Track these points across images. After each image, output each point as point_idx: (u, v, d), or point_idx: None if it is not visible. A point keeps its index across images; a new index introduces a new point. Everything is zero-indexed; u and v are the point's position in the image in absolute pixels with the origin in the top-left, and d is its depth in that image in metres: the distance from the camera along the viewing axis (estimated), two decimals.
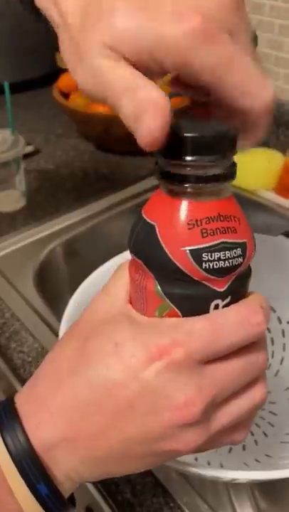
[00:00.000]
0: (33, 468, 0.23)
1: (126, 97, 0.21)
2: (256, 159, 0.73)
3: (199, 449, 0.24)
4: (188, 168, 0.22)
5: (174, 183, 0.22)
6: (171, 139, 0.21)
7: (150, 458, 0.24)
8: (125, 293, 0.26)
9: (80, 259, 0.69)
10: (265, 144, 0.83)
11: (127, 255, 0.26)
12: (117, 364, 0.23)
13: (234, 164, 0.23)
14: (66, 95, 0.89)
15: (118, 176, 0.82)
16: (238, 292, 0.24)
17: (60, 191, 0.78)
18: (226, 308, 0.24)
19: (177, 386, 0.22)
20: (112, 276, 0.27)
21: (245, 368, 0.24)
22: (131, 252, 0.25)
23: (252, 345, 0.24)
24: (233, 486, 0.39)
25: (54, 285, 0.66)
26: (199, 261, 0.22)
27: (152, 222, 0.23)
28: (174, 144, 0.21)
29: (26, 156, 0.85)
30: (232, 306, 0.24)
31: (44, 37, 1.14)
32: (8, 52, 1.11)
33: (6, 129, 0.69)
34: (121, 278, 0.26)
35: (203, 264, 0.22)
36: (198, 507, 0.37)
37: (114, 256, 0.45)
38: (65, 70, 0.96)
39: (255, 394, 0.25)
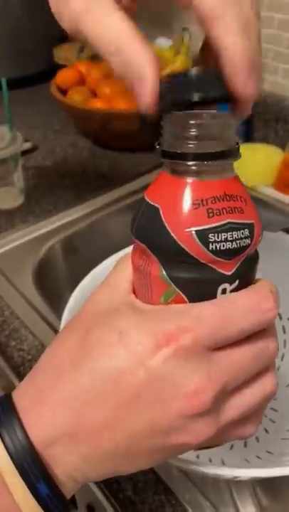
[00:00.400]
0: (32, 466, 0.22)
1: (113, 58, 0.22)
2: (255, 155, 0.73)
3: (209, 443, 0.23)
4: (192, 145, 0.21)
5: (179, 161, 0.22)
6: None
7: (158, 453, 0.23)
8: (128, 284, 0.25)
9: (79, 256, 0.69)
10: (263, 139, 0.82)
11: (128, 252, 0.26)
12: (122, 352, 0.22)
13: (238, 143, 0.23)
14: (64, 91, 0.89)
15: (117, 172, 0.82)
16: (246, 276, 0.23)
17: (58, 188, 0.78)
18: (234, 293, 0.23)
19: (186, 373, 0.21)
20: (114, 268, 0.26)
21: (256, 355, 0.23)
22: (134, 237, 0.24)
23: (262, 332, 0.23)
24: (234, 482, 0.39)
25: (53, 282, 0.65)
26: (206, 242, 0.21)
27: (156, 205, 0.22)
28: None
29: (24, 152, 0.84)
30: (241, 292, 0.23)
31: (42, 33, 1.14)
32: (6, 48, 1.10)
33: (4, 126, 0.69)
34: (123, 270, 0.26)
35: (210, 246, 0.21)
36: (200, 504, 0.37)
37: (114, 253, 0.45)
38: (63, 66, 0.96)
39: (265, 384, 0.24)
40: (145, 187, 0.24)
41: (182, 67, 0.87)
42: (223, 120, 0.22)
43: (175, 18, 0.94)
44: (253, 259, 0.24)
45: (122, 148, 0.86)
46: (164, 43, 0.92)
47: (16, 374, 0.48)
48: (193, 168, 0.22)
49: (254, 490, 0.39)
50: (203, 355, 0.21)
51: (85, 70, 0.92)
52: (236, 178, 0.23)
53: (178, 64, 0.87)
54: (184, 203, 0.21)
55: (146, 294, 0.24)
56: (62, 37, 1.21)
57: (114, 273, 0.26)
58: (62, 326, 0.37)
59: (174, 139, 0.22)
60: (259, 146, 0.76)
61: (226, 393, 0.22)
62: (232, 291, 0.23)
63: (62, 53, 1.09)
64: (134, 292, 0.25)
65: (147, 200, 0.23)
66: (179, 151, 0.21)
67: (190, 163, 0.21)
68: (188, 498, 0.37)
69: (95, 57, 1.01)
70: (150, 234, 0.23)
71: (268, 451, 0.39)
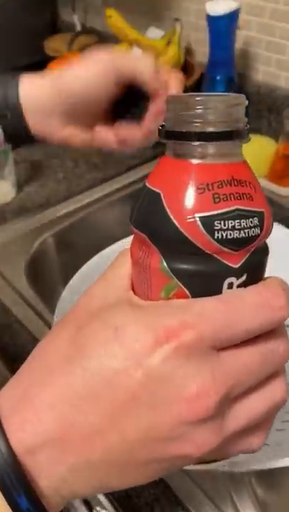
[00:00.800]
0: (12, 478, 0.19)
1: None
2: (248, 146, 0.72)
3: (212, 454, 0.21)
4: (198, 124, 0.20)
5: (183, 141, 0.20)
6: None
7: (155, 464, 0.20)
8: (126, 279, 0.23)
9: (71, 250, 0.68)
10: (257, 130, 0.82)
11: (122, 243, 0.25)
12: (117, 350, 0.20)
13: (247, 124, 0.21)
14: None
15: (109, 165, 0.81)
16: (254, 271, 0.22)
17: (50, 182, 0.77)
18: (242, 289, 0.21)
19: (187, 374, 0.19)
20: (112, 263, 0.24)
21: (266, 357, 0.20)
22: (133, 226, 0.22)
23: (271, 332, 0.21)
24: (230, 474, 0.39)
25: (46, 277, 0.65)
26: (211, 230, 0.20)
27: (157, 190, 0.21)
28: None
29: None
30: (250, 287, 0.21)
31: (33, 25, 1.13)
32: None
33: None
34: (122, 265, 0.24)
35: (216, 234, 0.20)
36: (196, 496, 0.37)
37: (108, 246, 0.44)
38: (54, 58, 0.95)
39: (275, 390, 0.21)
40: (138, 180, 0.23)
41: (174, 57, 0.86)
42: (232, 99, 0.21)
43: (166, 8, 0.93)
44: (263, 252, 0.22)
45: None
46: (155, 33, 0.91)
47: (10, 370, 0.48)
48: (199, 149, 0.20)
49: (250, 481, 0.39)
50: (206, 354, 0.19)
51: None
52: (245, 162, 0.21)
53: (170, 54, 0.86)
54: (187, 187, 0.20)
55: (145, 289, 0.22)
56: (52, 28, 1.20)
57: (112, 267, 0.24)
58: (55, 321, 0.36)
59: (178, 118, 0.20)
60: (252, 137, 0.75)
61: (230, 399, 0.20)
62: (239, 286, 0.21)
63: (52, 45, 1.08)
64: (132, 289, 0.23)
65: (148, 186, 0.21)
66: (183, 131, 0.20)
67: (195, 143, 0.20)
68: (184, 491, 0.37)
69: (85, 49, 1.00)
70: (150, 222, 0.21)
71: (264, 443, 0.39)
